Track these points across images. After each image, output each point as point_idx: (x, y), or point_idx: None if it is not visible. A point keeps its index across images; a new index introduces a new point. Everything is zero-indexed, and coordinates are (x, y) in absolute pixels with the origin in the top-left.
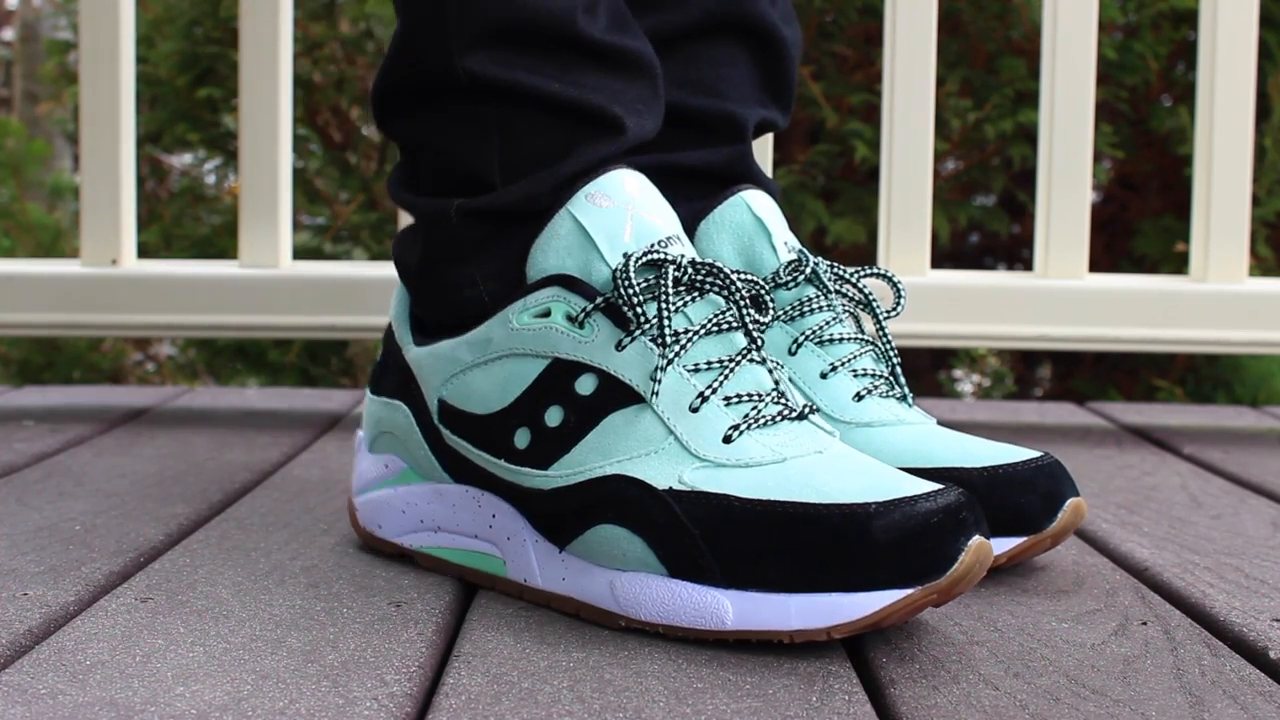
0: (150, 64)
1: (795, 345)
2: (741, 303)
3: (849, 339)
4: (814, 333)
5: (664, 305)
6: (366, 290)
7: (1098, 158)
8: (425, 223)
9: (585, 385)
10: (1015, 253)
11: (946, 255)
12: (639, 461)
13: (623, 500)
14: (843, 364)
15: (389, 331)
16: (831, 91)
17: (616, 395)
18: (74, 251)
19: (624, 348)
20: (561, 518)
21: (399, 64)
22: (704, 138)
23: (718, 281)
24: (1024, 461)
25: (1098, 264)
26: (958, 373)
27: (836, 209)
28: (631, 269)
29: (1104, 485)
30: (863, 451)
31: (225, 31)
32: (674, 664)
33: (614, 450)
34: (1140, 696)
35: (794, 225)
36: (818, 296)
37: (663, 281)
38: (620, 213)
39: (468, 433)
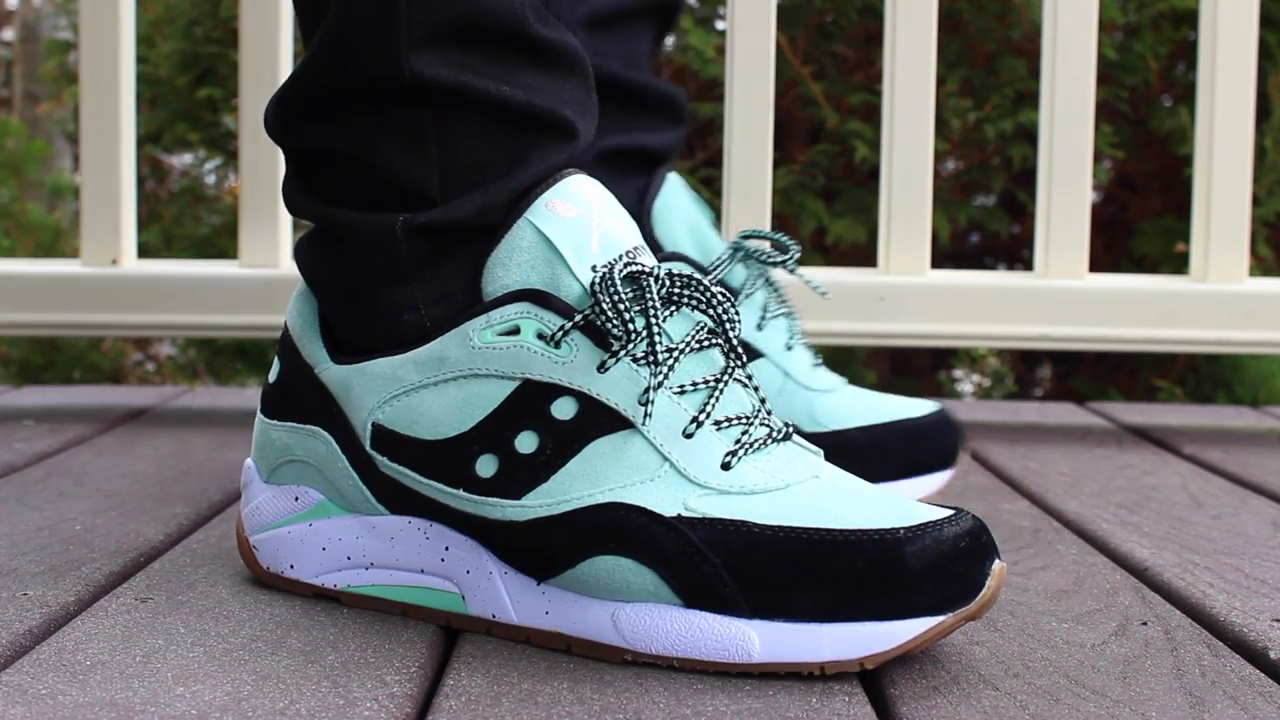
0: (150, 64)
1: (761, 322)
2: (725, 317)
3: (794, 314)
4: (769, 310)
5: (653, 322)
6: None
7: (1098, 158)
8: (360, 241)
9: (564, 409)
10: (1015, 253)
11: (946, 255)
12: (635, 489)
13: (625, 529)
14: (799, 336)
15: (288, 346)
16: (831, 91)
17: (600, 420)
18: (74, 251)
19: (607, 369)
20: (542, 550)
21: (324, 65)
22: (655, 116)
23: (698, 295)
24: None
25: (1098, 264)
26: (958, 373)
27: (836, 209)
28: (617, 282)
29: (1104, 485)
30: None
31: (225, 31)
32: (674, 664)
33: (603, 478)
34: (1140, 696)
35: (794, 225)
36: (756, 275)
37: (649, 295)
38: (585, 222)
39: (412, 460)
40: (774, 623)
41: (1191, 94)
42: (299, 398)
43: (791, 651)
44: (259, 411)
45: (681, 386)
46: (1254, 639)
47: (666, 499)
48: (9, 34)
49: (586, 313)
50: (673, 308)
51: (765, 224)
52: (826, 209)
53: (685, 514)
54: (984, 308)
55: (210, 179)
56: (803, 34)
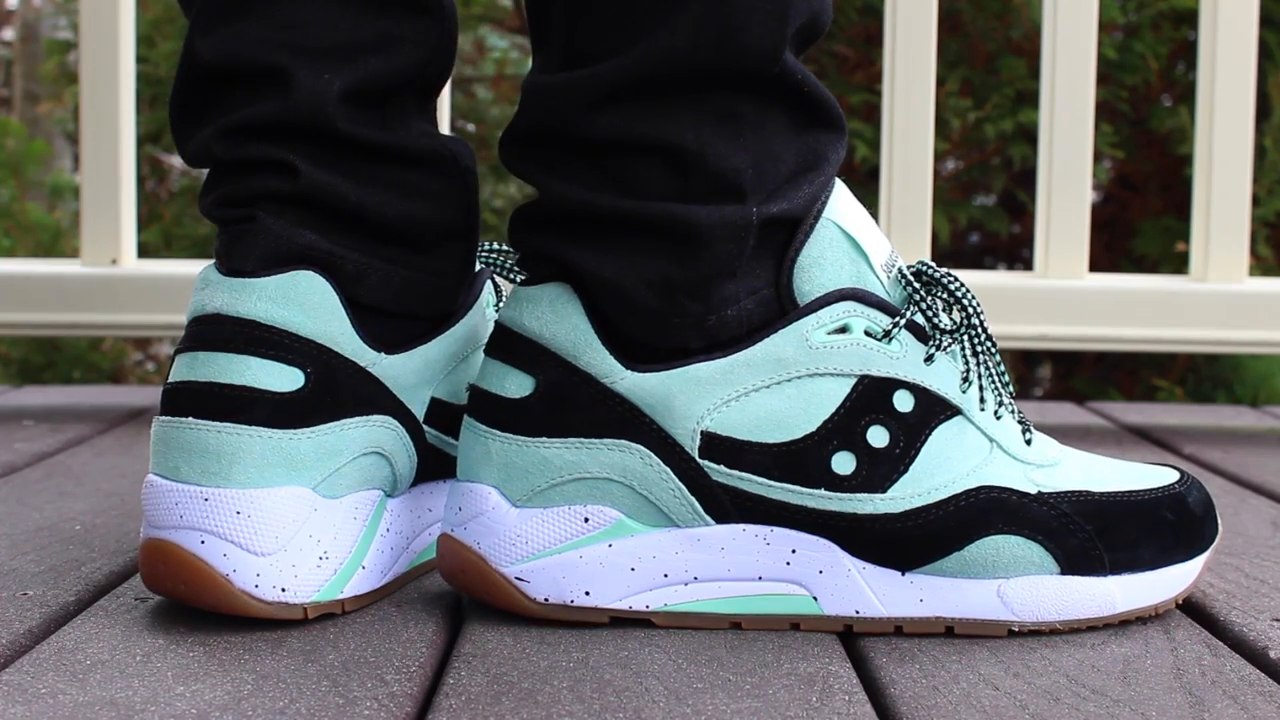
0: (150, 64)
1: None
2: (977, 308)
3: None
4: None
5: (972, 315)
6: None
7: (1098, 158)
8: (710, 233)
9: (904, 402)
10: (1015, 253)
11: (946, 255)
12: (986, 470)
13: (1006, 508)
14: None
15: (545, 355)
16: (831, 91)
17: (935, 410)
18: (74, 251)
19: (933, 360)
20: (921, 538)
21: (669, 49)
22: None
23: (958, 292)
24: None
25: (1098, 264)
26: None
27: None
28: (934, 278)
29: None
30: None
31: None
32: (674, 664)
33: (956, 463)
34: (1140, 696)
35: None
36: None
37: (953, 289)
38: (867, 221)
39: (757, 466)
40: (1126, 576)
41: (1191, 94)
42: (583, 412)
43: (1143, 598)
44: (496, 430)
45: (972, 372)
46: (1254, 639)
47: (1016, 476)
48: (9, 34)
49: (911, 310)
50: (949, 301)
51: None
52: None
53: (1045, 490)
54: (984, 307)
55: None
56: None
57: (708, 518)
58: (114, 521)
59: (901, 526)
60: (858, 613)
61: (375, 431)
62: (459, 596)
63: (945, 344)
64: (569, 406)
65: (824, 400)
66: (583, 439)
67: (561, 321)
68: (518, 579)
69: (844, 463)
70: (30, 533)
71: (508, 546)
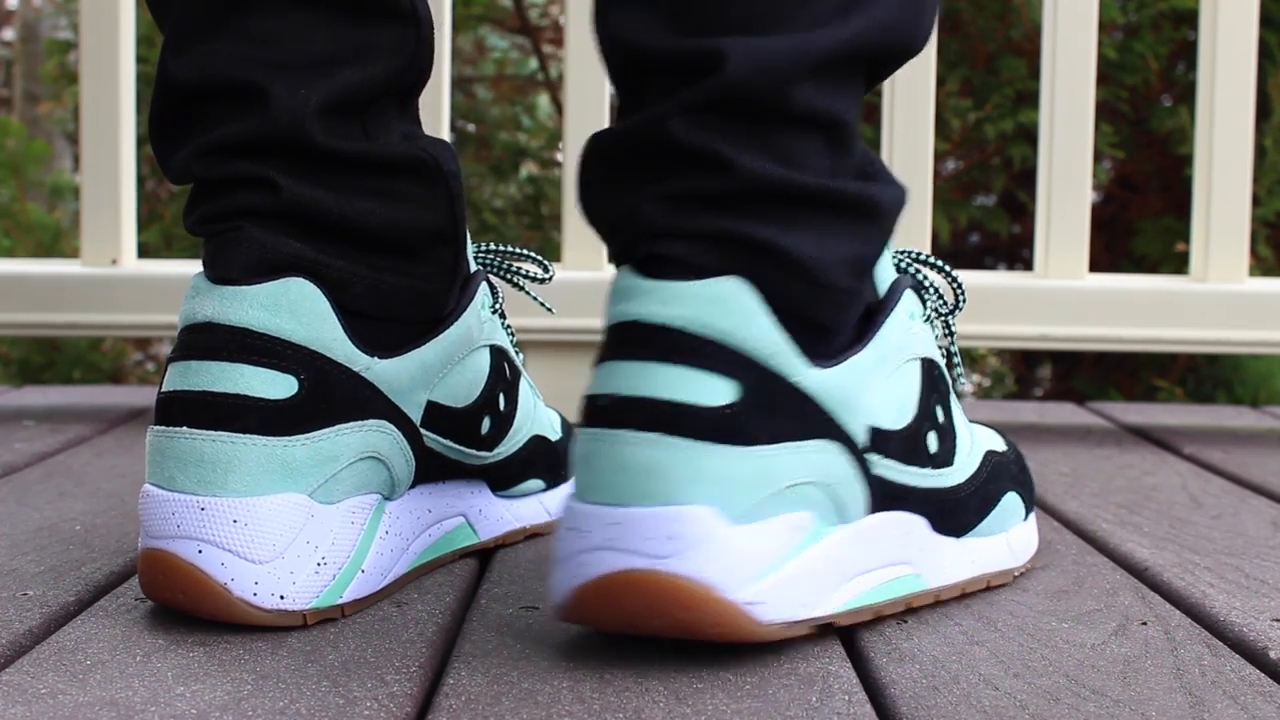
0: (150, 64)
1: None
2: (960, 291)
3: None
4: None
5: (959, 295)
6: None
7: (1098, 158)
8: (885, 213)
9: (941, 379)
10: (1015, 253)
11: (946, 255)
12: (982, 437)
13: (1005, 467)
14: None
15: (740, 359)
16: None
17: (947, 385)
18: (74, 251)
19: (935, 338)
20: (974, 505)
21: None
22: None
23: (943, 274)
24: None
25: (1098, 264)
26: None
27: None
28: (924, 260)
29: (1104, 485)
30: None
31: None
32: (674, 664)
33: (970, 432)
34: (1140, 696)
35: None
36: None
37: (941, 268)
38: None
39: (896, 451)
40: (1032, 515)
41: (1191, 94)
42: (787, 415)
43: (1034, 534)
44: (707, 442)
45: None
46: (1254, 639)
47: (996, 440)
48: (9, 34)
49: (930, 295)
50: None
51: None
52: None
53: (1007, 448)
54: (984, 308)
55: None
56: None
57: (865, 511)
58: (114, 521)
59: (966, 495)
60: (940, 584)
61: (371, 436)
62: (459, 597)
63: (937, 325)
64: (774, 410)
65: (915, 383)
66: (791, 442)
67: (751, 320)
68: (749, 603)
69: (933, 441)
70: (30, 533)
71: (737, 570)
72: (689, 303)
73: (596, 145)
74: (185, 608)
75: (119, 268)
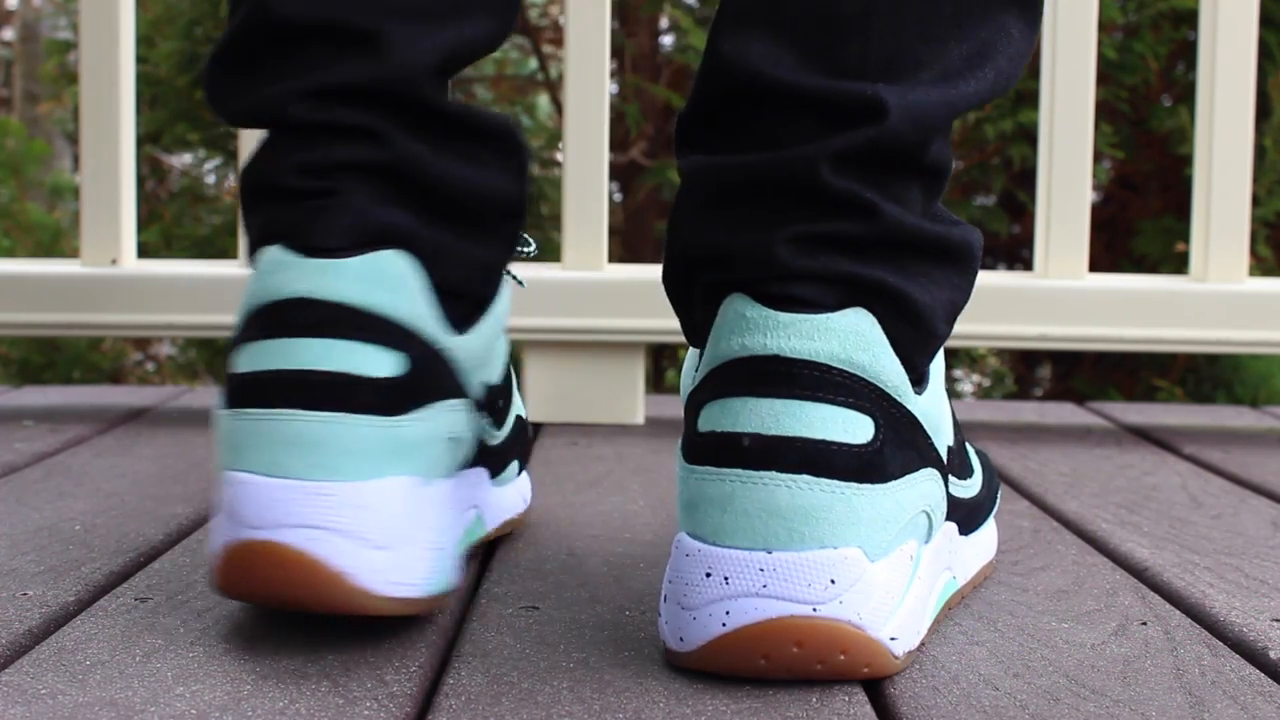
0: (150, 64)
1: None
2: None
3: None
4: None
5: None
6: None
7: (1098, 158)
8: (974, 259)
9: None
10: (1015, 253)
11: None
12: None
13: (981, 457)
14: None
15: (877, 394)
16: None
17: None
18: (74, 251)
19: None
20: (983, 507)
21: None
22: None
23: None
24: None
25: (1098, 264)
26: (958, 373)
27: None
28: None
29: (1104, 485)
30: None
31: None
32: (674, 664)
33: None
34: (1140, 696)
35: None
36: None
37: None
38: None
39: (953, 467)
40: None
41: (1191, 94)
42: (910, 447)
43: None
44: (855, 483)
45: None
46: (1254, 639)
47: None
48: (9, 34)
49: None
50: None
51: None
52: None
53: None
54: (984, 308)
55: (210, 179)
56: None
57: (940, 529)
58: (114, 521)
59: (984, 498)
60: (963, 582)
61: (455, 415)
62: (459, 596)
63: None
64: (901, 443)
65: (945, 395)
66: (913, 474)
67: (884, 353)
68: (891, 639)
69: (970, 452)
70: (30, 533)
71: (881, 608)
72: (829, 336)
73: (717, 173)
74: (287, 601)
75: (119, 268)
